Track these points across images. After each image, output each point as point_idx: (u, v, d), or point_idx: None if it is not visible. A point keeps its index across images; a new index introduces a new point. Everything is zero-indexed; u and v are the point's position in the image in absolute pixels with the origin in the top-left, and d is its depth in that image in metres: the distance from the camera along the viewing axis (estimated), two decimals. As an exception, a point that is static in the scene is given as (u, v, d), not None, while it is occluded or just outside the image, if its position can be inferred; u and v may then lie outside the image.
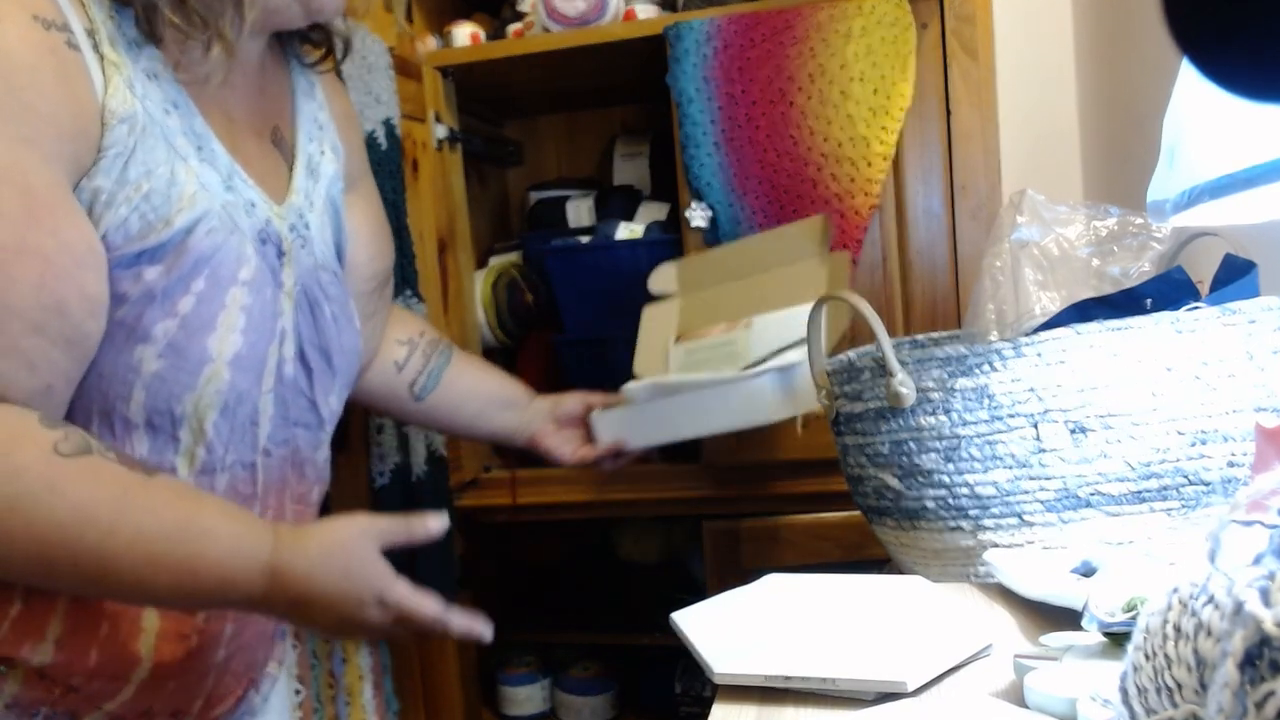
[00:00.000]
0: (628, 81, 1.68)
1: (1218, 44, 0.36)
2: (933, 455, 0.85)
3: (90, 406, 0.68)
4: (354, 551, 0.70)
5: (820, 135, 1.37)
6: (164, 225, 0.68)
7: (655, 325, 1.30)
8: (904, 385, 0.84)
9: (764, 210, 1.41)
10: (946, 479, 0.84)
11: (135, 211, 0.66)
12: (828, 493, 1.39)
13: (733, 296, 1.25)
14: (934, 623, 0.74)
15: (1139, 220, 0.96)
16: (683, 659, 1.72)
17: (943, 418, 0.84)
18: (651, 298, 1.36)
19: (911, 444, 0.86)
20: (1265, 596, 0.32)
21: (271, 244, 0.76)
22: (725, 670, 0.69)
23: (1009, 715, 0.59)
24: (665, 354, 1.24)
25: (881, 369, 0.86)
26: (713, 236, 1.43)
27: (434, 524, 0.74)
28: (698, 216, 1.44)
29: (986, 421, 0.82)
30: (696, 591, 1.57)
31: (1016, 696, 0.62)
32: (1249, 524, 0.37)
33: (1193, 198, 0.67)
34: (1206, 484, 0.78)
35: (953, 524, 0.85)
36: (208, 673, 0.76)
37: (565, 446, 1.14)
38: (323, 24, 0.85)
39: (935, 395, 0.84)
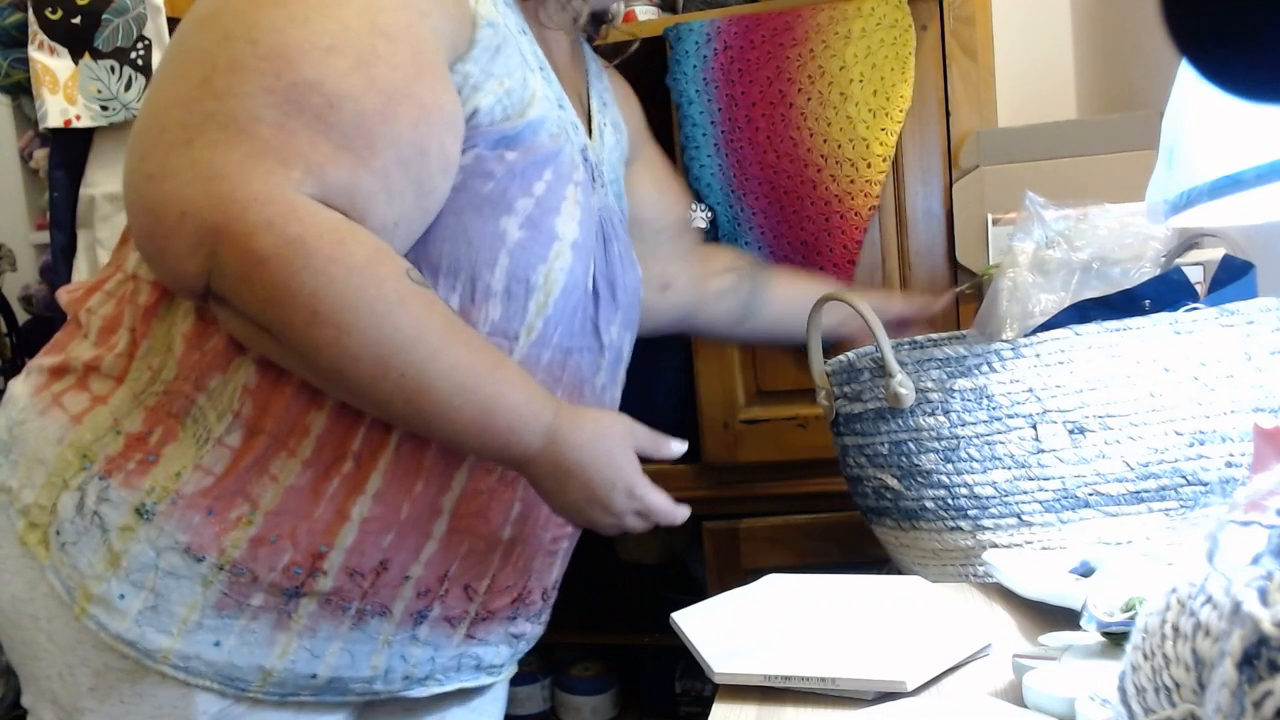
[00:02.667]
0: (627, 82, 1.68)
1: (1217, 44, 0.36)
2: (932, 456, 0.85)
3: (458, 272, 0.76)
4: (618, 441, 0.76)
5: (820, 137, 1.38)
6: (519, 116, 0.77)
7: None
8: (903, 386, 0.85)
9: (764, 212, 1.41)
10: (946, 479, 0.84)
11: (498, 101, 0.76)
12: (828, 493, 1.40)
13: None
14: (933, 622, 0.74)
15: (1138, 221, 0.96)
16: (683, 659, 1.72)
17: (942, 418, 0.84)
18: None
19: (911, 444, 0.86)
20: (1263, 596, 0.32)
21: (587, 165, 0.86)
22: (725, 670, 0.70)
23: (1008, 715, 0.60)
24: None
25: (881, 369, 0.86)
26: (712, 237, 1.44)
27: (676, 447, 0.81)
28: (698, 218, 1.44)
29: (985, 422, 0.82)
30: (696, 591, 1.58)
31: (1015, 696, 0.62)
32: (1247, 524, 0.37)
33: (1191, 198, 0.67)
34: (1204, 484, 0.79)
35: (952, 524, 0.85)
36: (495, 548, 0.82)
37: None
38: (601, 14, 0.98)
39: (934, 396, 0.84)
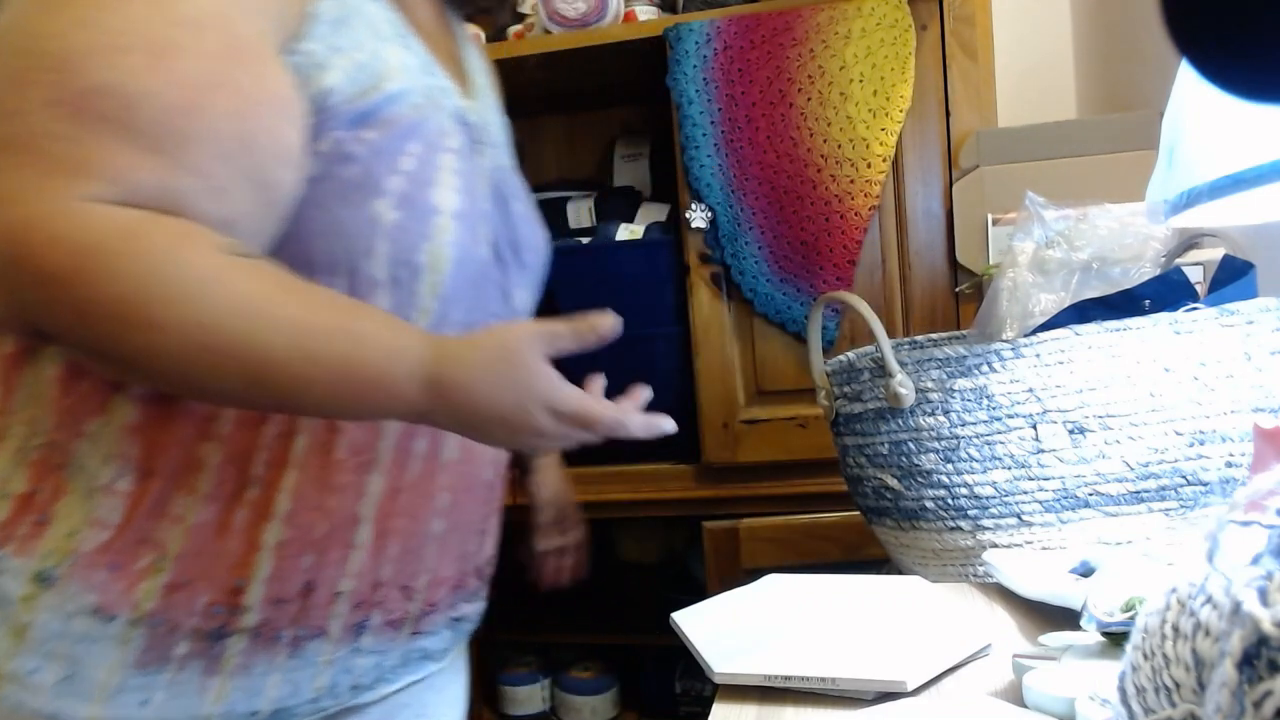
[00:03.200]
0: (628, 83, 1.69)
1: (1217, 44, 0.36)
2: (932, 456, 0.85)
3: (335, 266, 0.71)
4: (515, 357, 0.66)
5: (820, 136, 1.38)
6: (374, 89, 0.72)
7: None
8: (903, 386, 0.85)
9: (764, 211, 1.41)
10: (946, 479, 0.84)
11: (348, 77, 0.70)
12: (828, 493, 1.40)
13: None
14: (933, 622, 0.74)
15: (1138, 221, 0.96)
16: (683, 659, 1.72)
17: (942, 418, 0.84)
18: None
19: (911, 444, 0.86)
20: (1263, 596, 0.32)
21: (466, 127, 0.81)
22: (725, 670, 0.70)
23: (1008, 715, 0.60)
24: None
25: (881, 369, 0.86)
26: (712, 238, 1.44)
27: (604, 324, 0.69)
28: (698, 218, 1.44)
29: (985, 422, 0.82)
30: (696, 591, 1.58)
31: (1015, 696, 0.62)
32: (1247, 524, 0.37)
33: (1191, 198, 0.67)
34: (1204, 484, 0.79)
35: (952, 524, 0.85)
36: (428, 542, 0.79)
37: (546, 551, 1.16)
38: None
39: (934, 396, 0.84)
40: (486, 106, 0.88)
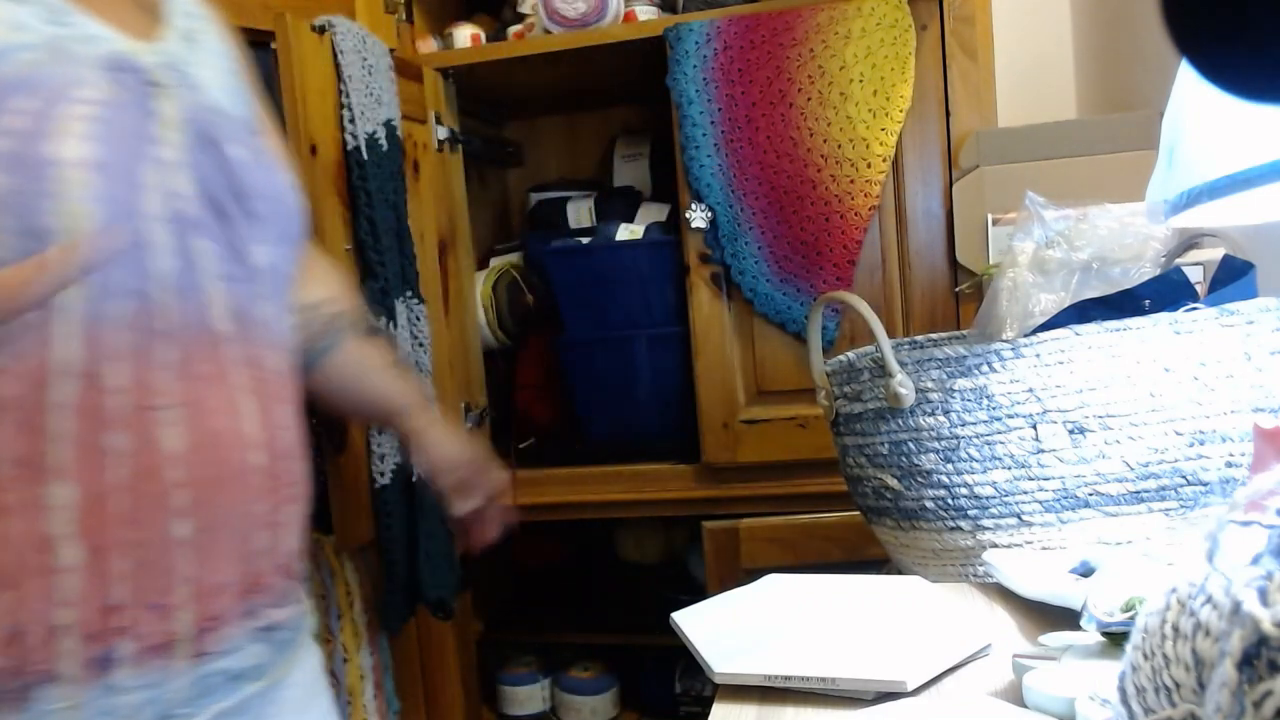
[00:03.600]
0: (628, 83, 1.69)
1: (1217, 44, 0.36)
2: (932, 456, 0.85)
3: None
4: None
5: (820, 136, 1.38)
6: None
7: None
8: (903, 386, 0.85)
9: (764, 211, 1.41)
10: (946, 479, 0.84)
11: None
12: (828, 493, 1.40)
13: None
14: (933, 622, 0.74)
15: (1138, 221, 0.96)
16: (683, 659, 1.72)
17: (942, 418, 0.84)
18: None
19: (911, 444, 0.86)
20: (1263, 596, 0.32)
21: (129, 72, 0.72)
22: (725, 670, 0.70)
23: (1008, 715, 0.60)
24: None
25: (881, 369, 0.86)
26: (712, 238, 1.44)
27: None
28: (698, 218, 1.44)
29: (985, 422, 0.82)
30: (696, 591, 1.58)
31: (1015, 696, 0.62)
32: (1247, 524, 0.37)
33: (1191, 198, 0.67)
34: (1204, 484, 0.79)
35: (952, 524, 0.85)
36: (172, 549, 0.69)
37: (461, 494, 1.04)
38: None
39: (934, 396, 0.84)
40: (180, 47, 0.78)
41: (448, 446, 1.03)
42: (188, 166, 0.72)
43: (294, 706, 0.80)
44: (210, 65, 0.81)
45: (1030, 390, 0.81)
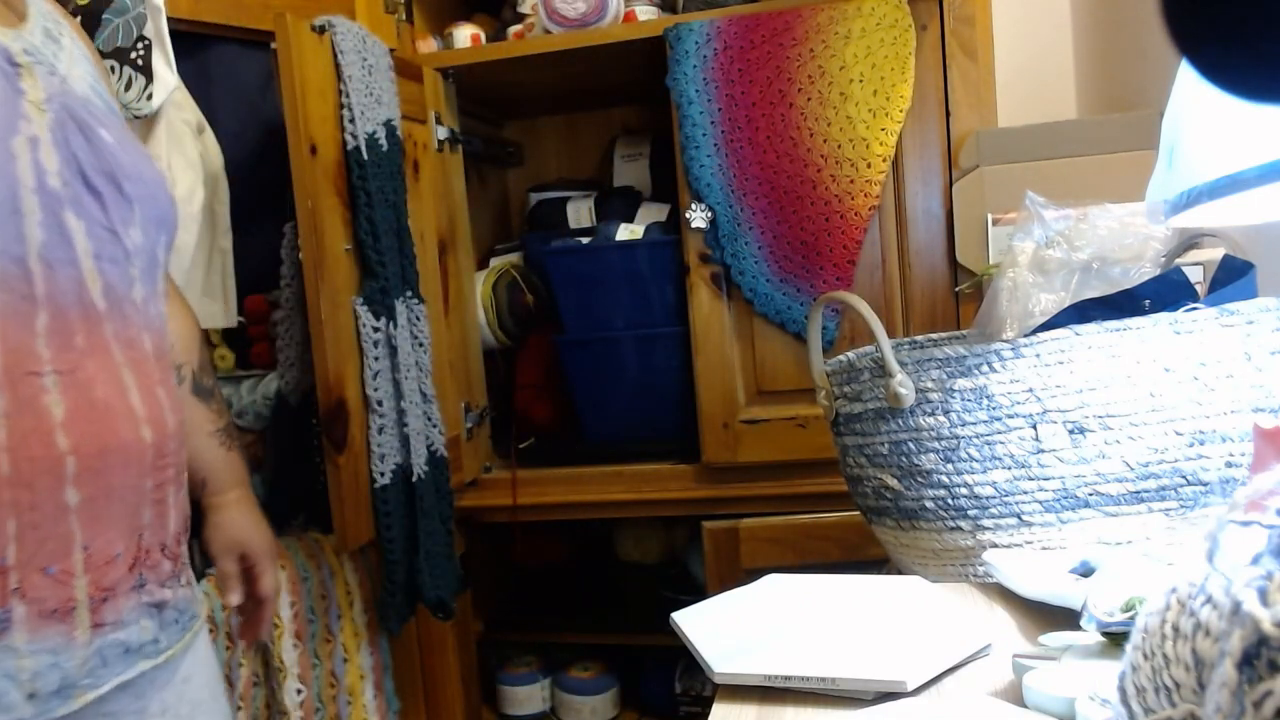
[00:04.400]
0: (628, 83, 1.69)
1: (1218, 44, 0.36)
2: (932, 455, 0.85)
3: None
4: None
5: (820, 136, 1.38)
6: None
7: None
8: (903, 386, 0.85)
9: (764, 211, 1.41)
10: (946, 479, 0.84)
11: None
12: (828, 493, 1.40)
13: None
14: (933, 622, 0.74)
15: (1138, 221, 0.96)
16: (683, 659, 1.72)
17: (942, 418, 0.84)
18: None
19: (911, 444, 0.86)
20: (1263, 596, 0.32)
21: (2, 52, 0.73)
22: (725, 670, 0.70)
23: (1008, 715, 0.60)
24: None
25: (881, 369, 0.86)
26: (712, 238, 1.44)
27: None
28: (698, 217, 1.44)
29: (985, 422, 0.82)
30: (696, 591, 1.58)
31: (1015, 696, 0.62)
32: (1247, 524, 0.37)
33: (1191, 198, 0.67)
34: (1204, 484, 0.79)
35: (952, 524, 0.85)
36: (65, 514, 0.70)
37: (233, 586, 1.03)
38: None
39: (934, 396, 0.84)
40: (43, 41, 0.80)
41: (240, 531, 1.01)
42: (59, 145, 0.74)
43: (204, 709, 0.83)
44: (75, 63, 0.83)
45: (1030, 390, 0.81)
